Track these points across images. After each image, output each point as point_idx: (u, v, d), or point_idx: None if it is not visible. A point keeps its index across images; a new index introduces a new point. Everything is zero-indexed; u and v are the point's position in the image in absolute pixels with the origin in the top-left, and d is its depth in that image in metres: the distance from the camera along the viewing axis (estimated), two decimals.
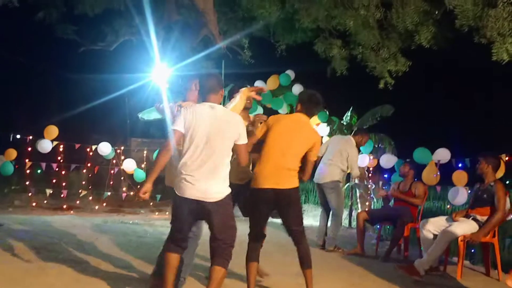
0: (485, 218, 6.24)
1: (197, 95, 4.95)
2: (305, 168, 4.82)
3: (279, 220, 5.06)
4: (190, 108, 4.24)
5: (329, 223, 7.80)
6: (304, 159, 4.80)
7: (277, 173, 4.65)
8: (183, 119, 4.17)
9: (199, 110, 4.22)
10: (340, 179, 7.77)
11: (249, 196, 4.81)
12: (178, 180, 4.17)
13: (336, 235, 7.62)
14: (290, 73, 10.72)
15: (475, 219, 6.26)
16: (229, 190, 4.24)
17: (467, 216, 6.36)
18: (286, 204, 4.69)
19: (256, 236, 4.77)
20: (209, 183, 4.11)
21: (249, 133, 4.61)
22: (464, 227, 6.21)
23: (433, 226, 6.45)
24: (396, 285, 5.74)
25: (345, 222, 10.64)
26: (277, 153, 4.68)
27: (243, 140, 4.30)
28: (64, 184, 11.17)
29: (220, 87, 4.40)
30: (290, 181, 4.69)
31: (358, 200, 10.65)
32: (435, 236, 6.33)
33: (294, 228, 4.75)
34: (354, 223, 10.55)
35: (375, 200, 10.29)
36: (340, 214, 7.75)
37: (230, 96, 5.38)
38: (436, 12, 8.46)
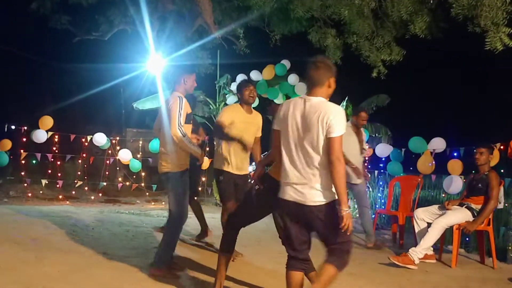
0: (479, 206, 6.30)
1: (185, 89, 5.12)
2: None
3: None
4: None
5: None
6: None
7: None
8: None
9: None
10: None
11: (266, 187, 4.23)
12: None
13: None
14: (286, 63, 10.73)
15: (469, 207, 6.31)
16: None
17: (461, 204, 6.41)
18: None
19: (241, 224, 4.50)
20: None
21: None
22: (458, 216, 6.26)
23: (427, 215, 6.51)
24: (393, 273, 5.78)
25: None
26: None
27: None
28: (59, 174, 11.17)
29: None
30: None
31: None
32: (429, 224, 6.38)
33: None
34: None
35: (370, 189, 10.32)
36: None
37: (239, 90, 5.78)
38: (431, 1, 8.46)
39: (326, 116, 3.48)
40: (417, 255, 6.03)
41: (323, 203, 3.54)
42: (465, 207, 6.33)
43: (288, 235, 3.75)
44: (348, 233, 3.51)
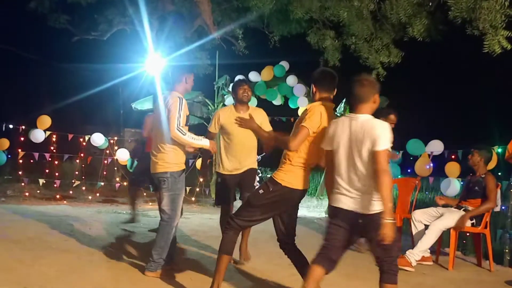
0: None
1: (185, 88, 5.12)
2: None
3: None
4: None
5: None
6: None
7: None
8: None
9: None
10: None
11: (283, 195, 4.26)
12: None
13: None
14: (285, 64, 10.74)
15: (466, 210, 6.31)
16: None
17: (459, 207, 6.42)
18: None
19: (241, 227, 4.44)
20: None
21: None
22: (456, 218, 6.27)
23: (425, 217, 6.51)
24: None
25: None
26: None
27: None
28: (57, 174, 11.17)
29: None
30: None
31: None
32: (426, 226, 6.38)
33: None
34: None
35: None
36: None
37: (233, 90, 5.74)
38: (430, 4, 8.47)
39: (372, 131, 3.75)
40: (414, 257, 6.03)
41: (378, 211, 3.72)
42: (463, 210, 6.34)
43: (334, 238, 3.91)
44: (389, 242, 3.64)
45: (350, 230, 3.87)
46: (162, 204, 5.01)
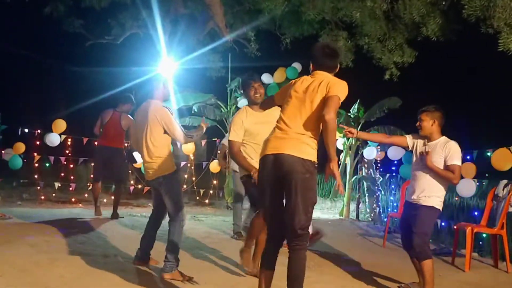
0: None
1: (164, 93, 5.31)
2: (324, 129, 3.74)
3: None
4: None
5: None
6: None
7: (279, 138, 3.91)
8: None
9: None
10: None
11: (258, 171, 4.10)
12: None
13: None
14: (297, 66, 10.74)
15: None
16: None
17: None
18: (286, 178, 3.76)
19: (270, 230, 4.00)
20: None
21: None
22: None
23: None
24: (407, 275, 5.75)
25: (352, 214, 10.66)
26: (283, 118, 3.98)
27: None
28: (72, 177, 11.25)
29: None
30: (296, 148, 3.80)
31: (366, 193, 10.64)
32: None
33: (291, 223, 3.74)
34: (361, 216, 10.57)
35: (382, 192, 10.26)
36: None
37: (244, 91, 5.34)
38: (443, 3, 8.41)
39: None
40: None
41: None
42: None
43: None
44: None
45: None
46: (167, 207, 5.15)
